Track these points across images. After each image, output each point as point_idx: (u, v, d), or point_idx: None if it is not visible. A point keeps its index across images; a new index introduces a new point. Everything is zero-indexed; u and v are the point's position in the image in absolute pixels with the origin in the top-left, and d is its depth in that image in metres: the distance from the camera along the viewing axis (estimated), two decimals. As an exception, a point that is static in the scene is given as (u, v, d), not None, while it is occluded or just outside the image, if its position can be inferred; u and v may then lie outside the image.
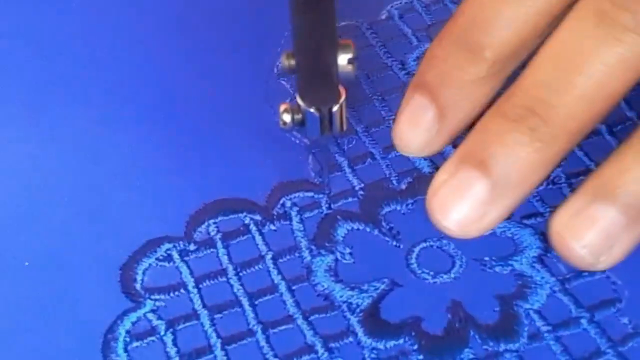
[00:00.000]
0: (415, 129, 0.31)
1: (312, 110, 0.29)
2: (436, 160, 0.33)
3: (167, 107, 0.34)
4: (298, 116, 0.29)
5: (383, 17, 0.37)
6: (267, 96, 0.34)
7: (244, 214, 0.31)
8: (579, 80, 0.28)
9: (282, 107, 0.30)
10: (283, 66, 0.29)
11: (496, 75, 0.30)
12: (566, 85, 0.28)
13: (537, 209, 0.31)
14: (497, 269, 0.30)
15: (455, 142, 0.32)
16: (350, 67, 0.28)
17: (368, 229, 0.31)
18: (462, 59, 0.30)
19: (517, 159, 0.28)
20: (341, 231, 0.31)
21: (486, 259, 0.30)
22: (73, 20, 0.37)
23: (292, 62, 0.28)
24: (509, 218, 0.31)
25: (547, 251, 0.30)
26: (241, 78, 0.35)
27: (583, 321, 0.28)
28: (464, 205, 0.29)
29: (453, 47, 0.30)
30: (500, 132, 0.29)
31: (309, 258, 0.30)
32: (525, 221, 0.31)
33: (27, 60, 0.36)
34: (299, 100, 0.29)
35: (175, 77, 0.35)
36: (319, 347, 0.28)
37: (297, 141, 0.33)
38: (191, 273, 0.30)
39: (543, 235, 0.30)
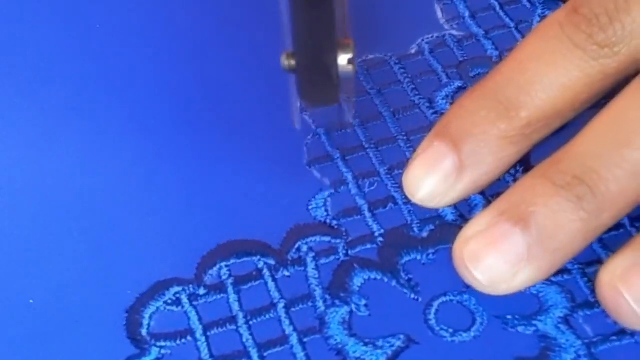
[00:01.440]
0: (430, 175, 0.30)
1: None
2: (461, 209, 0.31)
3: (185, 142, 0.33)
4: (292, 62, 0.28)
5: (413, 51, 0.36)
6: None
7: (258, 257, 0.30)
8: (632, 155, 0.27)
9: (284, 54, 0.28)
10: (283, 66, 0.28)
11: (525, 138, 0.29)
12: (618, 159, 0.27)
13: (564, 265, 0.29)
14: (520, 328, 0.28)
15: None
16: (350, 67, 0.28)
17: (386, 279, 0.30)
18: (495, 114, 0.29)
19: (560, 225, 0.27)
20: (357, 280, 0.30)
21: (509, 317, 0.29)
22: (76, 24, 0.37)
23: (292, 62, 0.28)
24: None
25: (573, 311, 0.28)
26: (260, 111, 0.34)
27: (608, 390, 0.27)
28: (498, 259, 0.28)
29: (486, 102, 0.29)
30: (546, 195, 0.28)
31: (322, 308, 0.29)
32: (552, 278, 0.29)
33: (28, 71, 0.35)
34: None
35: (192, 110, 0.34)
36: (328, 405, 0.27)
37: (320, 177, 0.32)
38: (200, 319, 0.29)
39: (571, 294, 0.29)
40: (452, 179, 0.29)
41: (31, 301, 0.29)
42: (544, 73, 0.29)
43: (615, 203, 0.27)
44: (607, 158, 0.27)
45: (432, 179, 0.30)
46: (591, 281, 0.29)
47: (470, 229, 0.28)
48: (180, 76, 0.35)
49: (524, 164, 0.31)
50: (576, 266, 0.29)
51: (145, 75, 0.35)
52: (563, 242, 0.27)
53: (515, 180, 0.31)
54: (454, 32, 0.36)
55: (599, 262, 0.30)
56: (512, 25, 0.36)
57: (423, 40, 0.36)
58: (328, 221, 0.31)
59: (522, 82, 0.29)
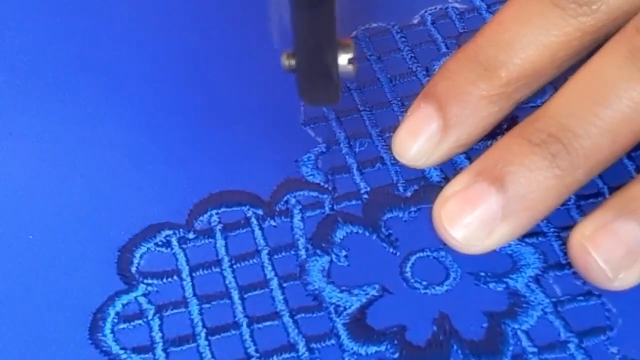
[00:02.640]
0: (416, 137, 0.31)
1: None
2: (446, 170, 0.32)
3: (181, 98, 0.35)
4: (292, 62, 0.29)
5: (415, 21, 0.37)
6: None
7: (247, 207, 0.32)
8: (606, 113, 0.28)
9: (284, 54, 0.29)
10: (283, 66, 0.29)
11: (506, 97, 0.30)
12: (592, 117, 0.28)
13: (541, 228, 0.30)
14: (491, 285, 0.29)
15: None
16: (350, 67, 0.28)
17: (367, 234, 0.31)
18: (475, 74, 0.30)
19: (535, 182, 0.28)
20: (340, 233, 0.31)
21: (482, 274, 0.30)
22: (75, 19, 0.38)
23: (292, 62, 0.28)
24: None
25: (545, 272, 0.29)
26: (252, 74, 0.35)
27: (571, 346, 0.28)
28: (474, 218, 0.29)
29: (468, 63, 0.30)
30: (521, 153, 0.29)
31: (304, 257, 0.30)
32: (527, 239, 0.30)
33: (27, 61, 0.37)
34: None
35: (185, 71, 0.35)
36: (300, 346, 0.28)
37: (314, 135, 0.33)
38: (187, 261, 0.30)
39: (544, 255, 0.30)
40: (437, 139, 0.31)
41: (31, 237, 0.31)
42: (523, 33, 0.30)
43: (588, 160, 0.28)
44: (581, 116, 0.28)
45: (418, 140, 0.31)
46: (565, 244, 0.30)
47: (449, 189, 0.30)
48: (181, 48, 0.36)
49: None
50: (552, 229, 0.30)
51: (134, 57, 0.36)
52: (537, 199, 0.28)
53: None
54: (457, 5, 0.37)
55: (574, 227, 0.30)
56: (513, -1, 0.37)
57: (426, 11, 0.37)
58: (317, 178, 0.32)
59: (501, 42, 0.30)
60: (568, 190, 0.29)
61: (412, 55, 0.36)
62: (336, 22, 0.27)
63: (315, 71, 0.28)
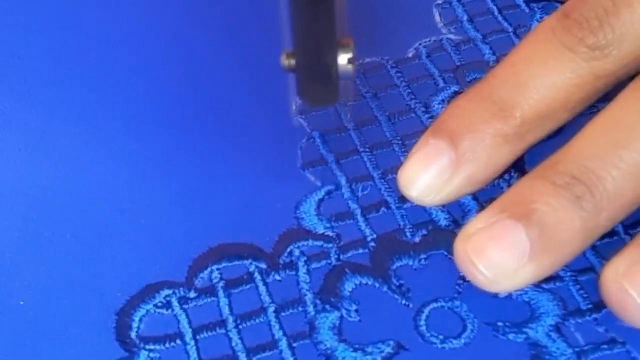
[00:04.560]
0: (426, 172, 0.30)
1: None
2: (455, 213, 0.31)
3: (177, 144, 0.33)
4: (292, 62, 0.28)
5: (410, 55, 0.36)
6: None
7: (250, 261, 0.30)
8: (630, 155, 0.27)
9: (284, 54, 0.28)
10: (283, 66, 0.28)
11: (520, 138, 0.30)
12: (615, 159, 0.27)
13: (557, 273, 0.29)
14: (511, 336, 0.28)
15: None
16: (350, 67, 0.28)
17: (377, 285, 0.29)
18: (490, 113, 0.29)
19: (562, 222, 0.27)
20: (349, 285, 0.29)
21: (500, 324, 0.28)
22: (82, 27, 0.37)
23: (292, 62, 0.28)
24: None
25: (565, 319, 0.28)
26: (255, 113, 0.34)
27: (598, 399, 0.27)
28: (501, 253, 0.28)
29: (481, 102, 0.30)
30: (547, 193, 0.28)
31: (313, 313, 0.29)
32: (544, 285, 0.29)
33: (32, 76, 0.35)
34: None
35: (178, 118, 0.34)
36: (316, 411, 0.27)
37: (313, 180, 0.32)
38: (190, 323, 0.29)
39: (563, 302, 0.29)
40: (447, 175, 0.29)
41: (22, 303, 0.29)
42: (537, 75, 0.29)
43: (613, 203, 0.27)
44: (605, 159, 0.27)
45: (427, 174, 0.30)
46: (583, 289, 0.29)
47: (472, 227, 0.28)
48: (175, 79, 0.35)
49: (519, 170, 0.31)
50: (569, 273, 0.29)
51: (139, 78, 0.35)
52: (564, 241, 0.27)
53: (510, 185, 0.31)
54: (452, 37, 0.36)
55: (592, 269, 0.29)
56: (511, 29, 0.36)
57: (421, 44, 0.36)
58: (320, 226, 0.31)
59: (515, 84, 0.29)
60: (592, 234, 0.28)
61: (410, 91, 0.35)
62: (336, 22, 0.27)
63: (315, 71, 0.28)
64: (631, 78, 0.30)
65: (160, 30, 0.36)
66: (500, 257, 0.28)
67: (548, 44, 0.30)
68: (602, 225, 0.28)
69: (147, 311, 0.29)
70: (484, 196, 0.31)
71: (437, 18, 0.37)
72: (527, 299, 0.29)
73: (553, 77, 0.29)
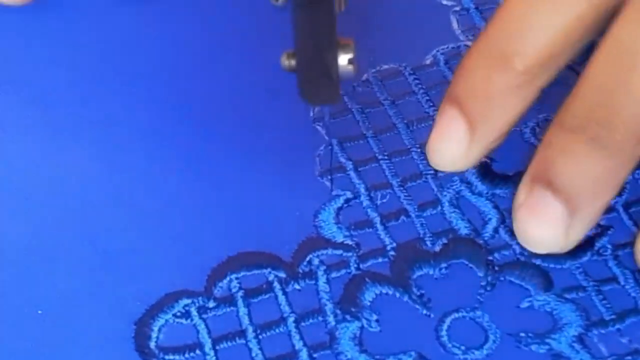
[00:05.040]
0: (446, 143, 0.30)
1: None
2: (475, 223, 0.31)
3: (198, 152, 0.33)
4: (292, 62, 0.28)
5: (428, 61, 0.36)
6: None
7: (269, 270, 0.30)
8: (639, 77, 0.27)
9: (284, 54, 0.29)
10: (283, 66, 0.28)
11: (527, 85, 0.29)
12: (626, 86, 0.27)
13: (579, 282, 0.29)
14: (533, 347, 0.28)
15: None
16: (350, 67, 0.28)
17: (397, 294, 0.29)
18: (489, 68, 0.29)
19: (586, 172, 0.27)
20: (369, 295, 0.29)
21: (522, 334, 0.28)
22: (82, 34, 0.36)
23: (292, 62, 0.28)
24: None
25: (588, 330, 0.28)
26: (274, 120, 0.34)
27: (623, 411, 0.26)
28: (544, 230, 0.28)
29: (481, 58, 0.29)
30: (561, 146, 0.28)
31: (333, 323, 0.29)
32: (566, 295, 0.29)
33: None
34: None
35: (207, 120, 0.34)
36: (337, 422, 0.27)
37: (332, 192, 0.31)
38: (209, 333, 0.29)
39: (585, 312, 0.28)
40: (467, 142, 0.29)
41: (40, 312, 0.29)
42: (534, 18, 0.28)
43: (633, 131, 0.27)
44: (615, 88, 0.27)
45: (448, 146, 0.30)
46: (606, 299, 0.29)
47: (517, 201, 0.29)
48: (192, 86, 0.35)
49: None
50: (591, 283, 0.29)
51: (159, 85, 0.35)
52: (596, 186, 0.27)
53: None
54: (469, 43, 0.36)
55: (615, 279, 0.29)
56: (529, 36, 0.35)
57: (438, 50, 0.36)
58: (339, 234, 0.30)
59: (512, 31, 0.29)
60: (623, 168, 0.28)
61: (428, 98, 0.34)
62: (336, 22, 0.27)
63: (316, 71, 0.28)
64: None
65: (178, 33, 0.36)
66: (544, 234, 0.28)
67: None
68: (630, 154, 0.27)
69: (166, 321, 0.29)
70: (504, 204, 0.31)
71: (455, 25, 0.37)
72: (549, 309, 0.29)
73: (551, 17, 0.28)
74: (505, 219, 0.31)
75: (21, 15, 0.37)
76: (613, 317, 0.28)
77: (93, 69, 0.35)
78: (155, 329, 0.29)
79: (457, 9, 0.37)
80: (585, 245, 0.30)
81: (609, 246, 0.30)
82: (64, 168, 0.32)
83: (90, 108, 0.34)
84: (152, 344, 0.28)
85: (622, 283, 0.29)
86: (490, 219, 0.31)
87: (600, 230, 0.30)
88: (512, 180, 0.32)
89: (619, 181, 0.28)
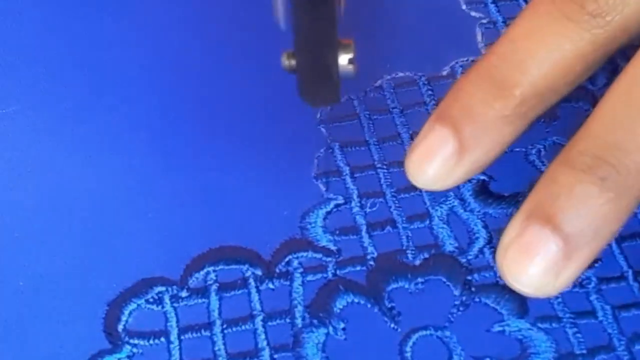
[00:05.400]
0: (432, 160, 0.29)
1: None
2: (461, 241, 0.30)
3: (181, 141, 0.33)
4: (293, 62, 0.28)
5: (444, 73, 0.35)
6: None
7: (246, 266, 0.30)
8: None
9: (285, 54, 0.29)
10: (283, 66, 0.28)
11: (522, 116, 0.29)
12: (637, 128, 0.27)
13: (555, 312, 0.28)
14: (496, 372, 0.27)
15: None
16: (350, 67, 0.28)
17: (369, 305, 0.29)
18: (490, 94, 0.29)
19: (589, 213, 0.27)
20: (340, 302, 0.29)
21: (487, 359, 0.27)
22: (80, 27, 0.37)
23: (293, 62, 0.28)
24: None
25: (557, 362, 0.27)
26: (265, 117, 0.34)
27: None
28: (536, 267, 0.27)
29: (481, 82, 0.29)
30: (569, 184, 0.27)
31: (300, 326, 0.28)
32: (539, 324, 0.28)
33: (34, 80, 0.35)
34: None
35: (187, 112, 0.34)
36: None
37: (325, 194, 0.32)
38: (177, 322, 0.29)
39: (556, 344, 0.28)
40: (453, 162, 0.29)
41: (21, 283, 0.30)
42: (536, 50, 0.29)
43: None
44: (626, 129, 0.27)
45: (433, 164, 0.30)
46: (580, 332, 0.28)
47: (506, 237, 0.28)
48: (182, 77, 0.35)
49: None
50: (567, 315, 0.28)
51: (148, 75, 0.35)
52: (597, 229, 0.27)
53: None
54: (490, 58, 0.35)
55: (593, 313, 0.28)
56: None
57: (457, 62, 0.35)
58: (323, 238, 0.30)
59: (515, 61, 0.29)
60: (627, 211, 0.27)
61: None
62: (337, 22, 0.27)
63: (316, 71, 0.28)
64: (633, 47, 0.29)
65: (178, 33, 0.36)
66: (536, 272, 0.27)
67: (547, 15, 0.29)
68: (635, 198, 0.27)
69: (138, 305, 0.29)
70: (494, 225, 0.30)
71: (479, 37, 0.36)
72: (520, 337, 0.28)
73: (553, 52, 0.28)
74: (493, 240, 0.30)
75: (22, 13, 0.38)
76: (584, 351, 0.28)
77: (86, 65, 0.36)
78: (126, 312, 0.29)
79: (485, 21, 0.36)
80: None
81: (594, 279, 0.29)
82: (47, 155, 0.33)
83: (78, 97, 0.35)
84: (120, 327, 0.29)
85: (600, 318, 0.28)
86: (477, 238, 0.30)
87: (587, 261, 0.29)
88: (507, 200, 0.31)
89: (620, 224, 0.27)
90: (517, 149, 0.32)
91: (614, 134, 0.27)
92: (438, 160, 0.29)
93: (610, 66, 0.33)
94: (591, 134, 0.27)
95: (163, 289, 0.30)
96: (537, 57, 0.29)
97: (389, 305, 0.29)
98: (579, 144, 0.28)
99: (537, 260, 0.27)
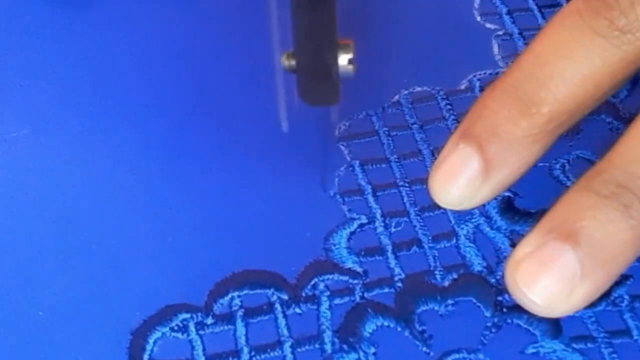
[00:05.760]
0: (456, 180, 0.29)
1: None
2: (489, 259, 0.30)
3: (213, 164, 0.33)
4: (293, 62, 0.28)
5: (463, 87, 0.34)
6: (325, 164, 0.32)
7: (272, 290, 0.29)
8: None
9: (284, 54, 0.28)
10: (283, 66, 0.28)
11: (548, 134, 0.28)
12: None
13: (590, 332, 0.28)
14: (533, 396, 0.27)
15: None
16: (350, 67, 0.27)
17: (399, 328, 0.28)
18: (516, 113, 0.28)
19: (610, 236, 0.26)
20: (369, 326, 0.28)
21: (522, 382, 0.27)
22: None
23: (292, 62, 0.27)
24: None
25: (592, 384, 0.27)
26: (299, 140, 0.33)
27: None
28: (552, 279, 0.27)
29: (507, 100, 0.28)
30: (592, 207, 0.27)
31: (329, 351, 0.28)
32: (574, 344, 0.28)
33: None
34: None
35: (219, 132, 0.34)
36: None
37: (347, 214, 0.31)
38: (204, 350, 0.28)
39: None
40: (479, 182, 0.29)
41: (40, 313, 0.29)
42: (564, 66, 0.28)
43: None
44: None
45: (458, 183, 0.29)
46: (616, 352, 0.27)
47: (519, 252, 0.27)
48: (201, 97, 0.34)
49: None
50: (602, 334, 0.28)
51: (163, 98, 0.34)
52: (615, 253, 0.26)
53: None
54: (508, 70, 0.35)
55: (628, 333, 0.28)
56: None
57: (475, 76, 0.35)
58: (349, 260, 0.30)
59: (541, 77, 0.28)
60: None
61: (458, 125, 0.33)
62: (336, 22, 0.26)
63: (316, 71, 0.27)
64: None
65: (180, 37, 0.36)
66: (550, 283, 0.27)
67: (575, 29, 0.28)
68: None
69: (163, 334, 0.29)
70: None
71: (496, 50, 0.36)
72: (555, 358, 0.27)
73: (581, 68, 0.28)
74: (521, 259, 0.29)
75: (25, 13, 0.37)
76: (621, 371, 0.27)
77: (94, 70, 0.35)
78: (151, 341, 0.28)
79: (500, 33, 0.36)
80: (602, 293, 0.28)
81: (626, 297, 0.29)
82: (73, 178, 0.32)
83: (105, 116, 0.34)
84: (146, 357, 0.28)
85: (635, 337, 0.28)
86: (505, 256, 0.30)
87: (619, 279, 0.29)
88: (534, 217, 0.30)
89: (635, 254, 0.27)
90: (541, 164, 0.32)
91: (637, 166, 0.27)
92: (463, 180, 0.29)
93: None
94: (614, 164, 0.27)
95: (188, 315, 0.29)
96: (564, 73, 0.28)
97: (420, 329, 0.28)
98: (603, 173, 0.27)
99: (554, 273, 0.27)
